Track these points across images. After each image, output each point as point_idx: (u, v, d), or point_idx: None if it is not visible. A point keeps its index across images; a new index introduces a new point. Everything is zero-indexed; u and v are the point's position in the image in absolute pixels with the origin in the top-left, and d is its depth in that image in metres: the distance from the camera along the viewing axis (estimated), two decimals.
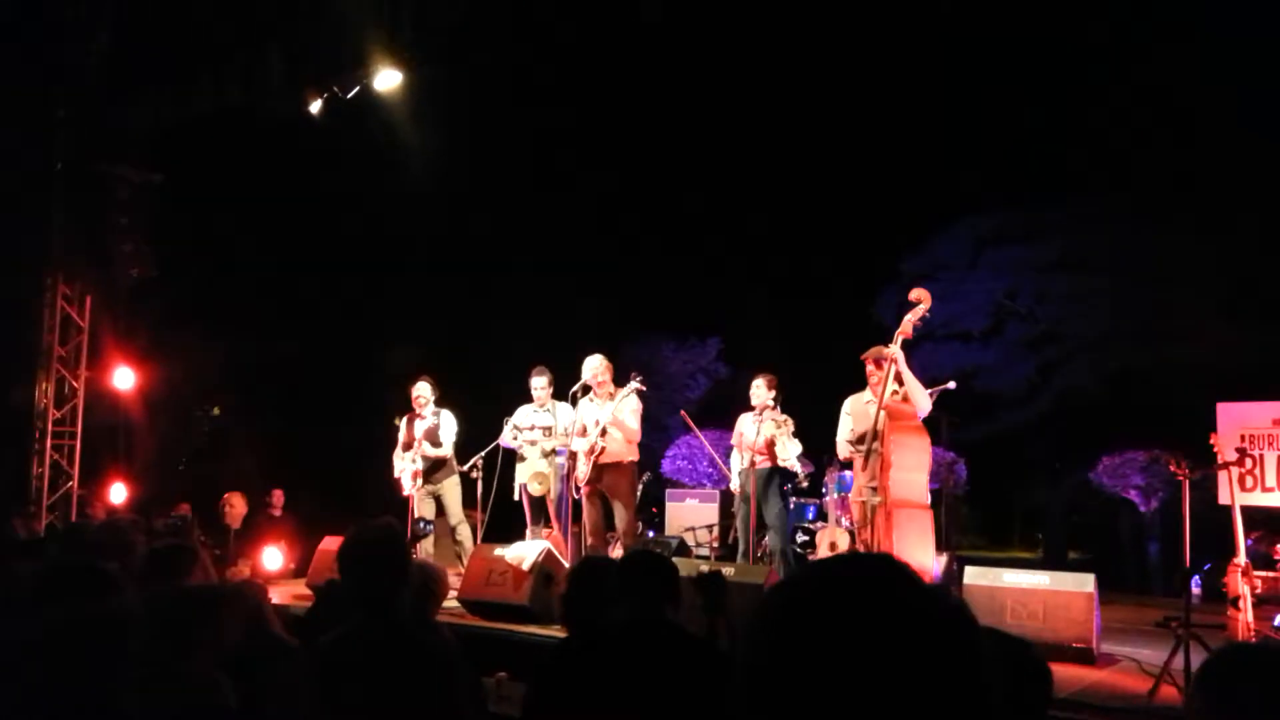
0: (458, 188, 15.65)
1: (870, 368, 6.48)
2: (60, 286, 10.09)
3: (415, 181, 13.51)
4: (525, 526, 8.15)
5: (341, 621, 2.61)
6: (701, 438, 8.22)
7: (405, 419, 8.39)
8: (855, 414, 6.59)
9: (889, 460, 5.99)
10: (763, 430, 7.33)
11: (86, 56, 9.68)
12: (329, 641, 2.61)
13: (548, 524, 8.01)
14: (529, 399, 8.11)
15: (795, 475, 8.06)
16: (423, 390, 8.29)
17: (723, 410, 8.40)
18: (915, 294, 6.29)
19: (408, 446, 8.26)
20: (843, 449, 6.68)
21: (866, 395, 6.55)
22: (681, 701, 2.52)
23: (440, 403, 8.37)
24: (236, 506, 8.31)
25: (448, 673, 2.54)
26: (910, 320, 6.20)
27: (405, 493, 8.30)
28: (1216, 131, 14.03)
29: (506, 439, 8.07)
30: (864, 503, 6.22)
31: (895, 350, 6.19)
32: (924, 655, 0.86)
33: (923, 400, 6.24)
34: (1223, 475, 6.04)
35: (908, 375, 6.22)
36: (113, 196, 10.03)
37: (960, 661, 0.87)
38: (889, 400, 6.17)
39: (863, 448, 6.31)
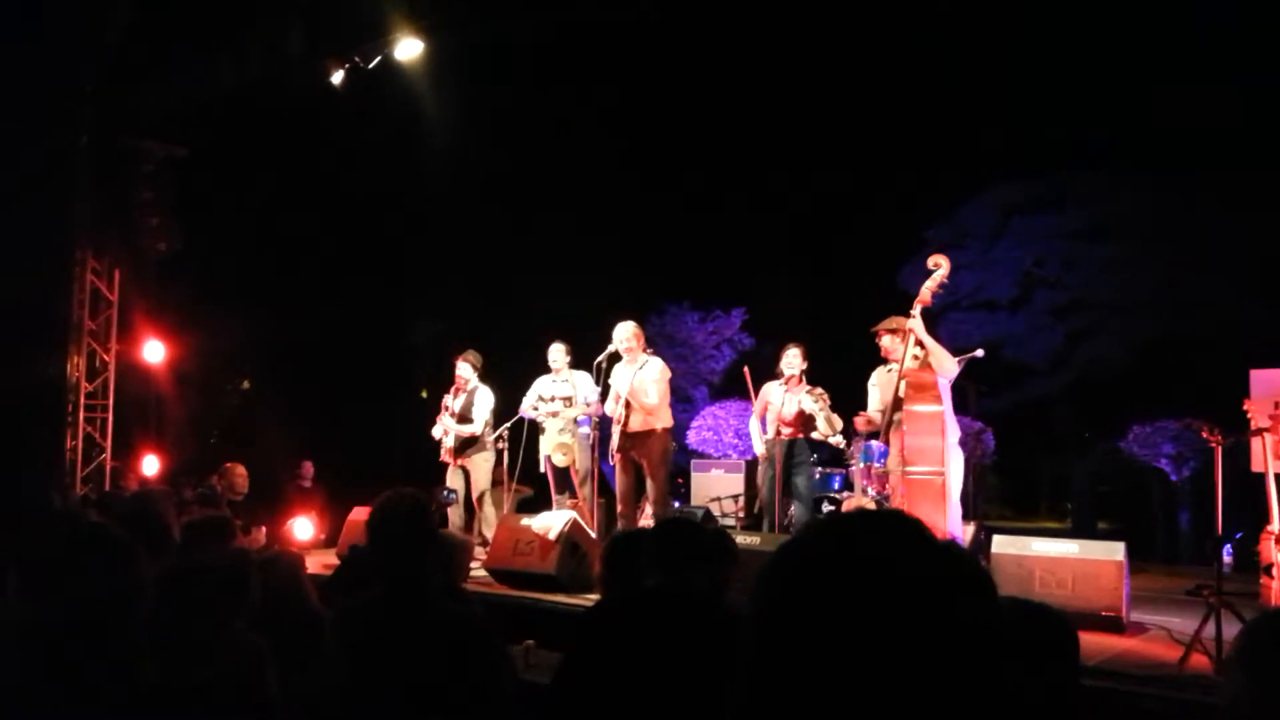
0: (482, 160, 15.63)
1: (886, 339, 6.53)
2: (89, 261, 10.18)
3: (440, 153, 13.50)
4: (551, 497, 8.20)
5: (364, 585, 2.64)
6: (755, 398, 8.07)
7: (452, 391, 8.47)
8: (881, 385, 6.67)
9: (903, 429, 6.01)
10: (796, 402, 7.32)
11: (110, 32, 9.70)
12: (355, 606, 2.63)
13: (573, 494, 8.05)
14: (549, 370, 8.16)
15: (840, 449, 8.08)
16: (464, 370, 8.36)
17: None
18: (934, 260, 6.28)
19: (443, 414, 8.37)
20: (875, 419, 6.71)
21: (889, 367, 6.60)
22: (707, 671, 2.52)
23: (482, 378, 8.42)
24: (235, 478, 8.31)
25: (477, 641, 2.56)
26: (929, 287, 6.19)
27: (442, 456, 8.40)
28: (1245, 100, 13.76)
29: (527, 410, 8.13)
30: (883, 470, 6.24)
31: (915, 318, 6.17)
32: (936, 612, 0.84)
33: (948, 363, 6.22)
34: (1256, 442, 5.96)
35: (928, 340, 6.20)
36: (139, 171, 10.10)
37: (974, 618, 0.85)
38: (910, 368, 6.17)
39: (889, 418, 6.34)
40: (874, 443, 8.79)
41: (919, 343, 6.22)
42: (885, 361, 6.70)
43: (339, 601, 3.42)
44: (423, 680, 2.46)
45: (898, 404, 6.24)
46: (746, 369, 8.22)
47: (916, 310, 6.22)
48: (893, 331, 6.49)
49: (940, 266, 6.23)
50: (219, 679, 2.37)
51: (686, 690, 2.54)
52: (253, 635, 2.55)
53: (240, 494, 8.39)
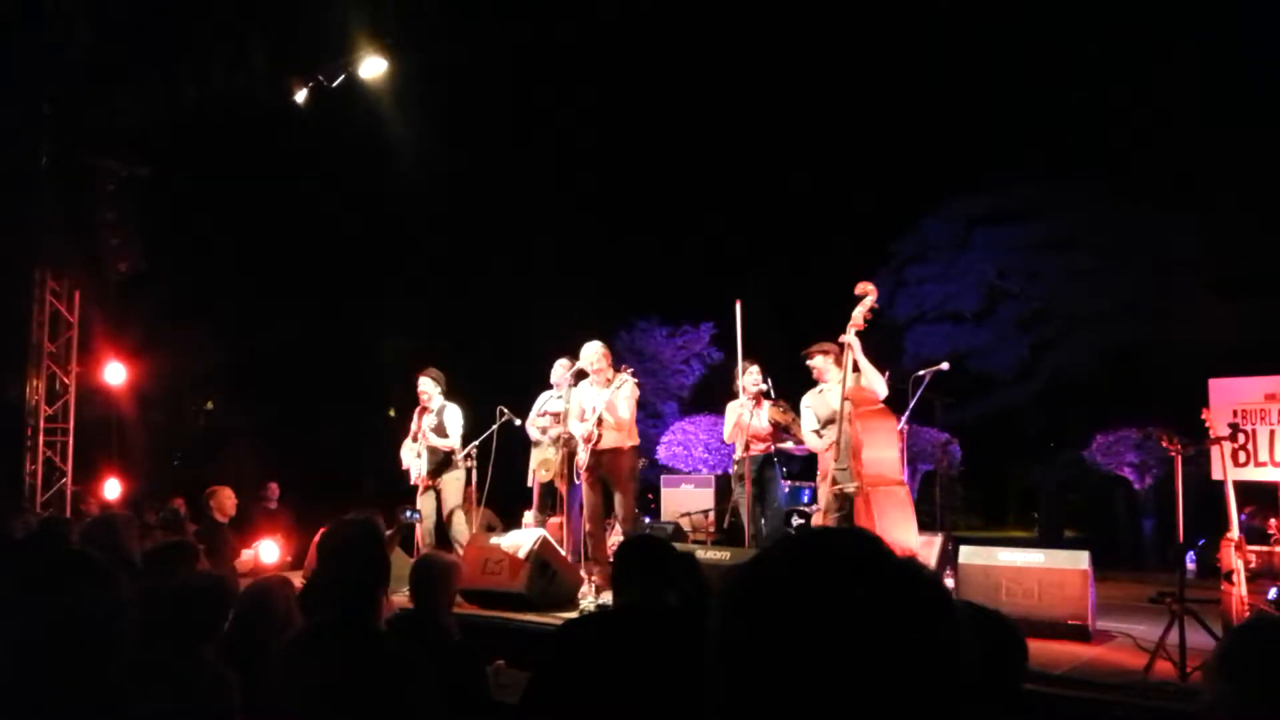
0: (448, 176, 15.60)
1: (818, 360, 6.76)
2: (49, 282, 10.04)
3: (405, 171, 13.46)
4: (531, 513, 8.19)
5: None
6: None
7: (416, 411, 8.37)
8: (813, 405, 6.86)
9: (859, 443, 6.11)
10: (763, 417, 7.37)
11: (70, 49, 9.60)
12: (297, 634, 2.61)
13: (554, 510, 8.02)
14: (532, 384, 8.16)
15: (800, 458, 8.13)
16: (425, 385, 8.24)
17: (718, 397, 8.34)
18: (861, 287, 6.48)
19: (415, 439, 8.27)
20: (812, 440, 6.88)
21: (819, 388, 6.86)
22: (676, 688, 2.52)
23: (448, 396, 8.36)
24: (224, 499, 8.25)
25: (406, 675, 2.52)
26: (860, 312, 6.38)
27: (412, 481, 8.30)
28: (1204, 112, 14.05)
29: (531, 427, 8.15)
30: (839, 490, 6.26)
31: (850, 338, 6.36)
32: (897, 625, 0.85)
33: (879, 385, 6.44)
34: (1215, 451, 6.05)
35: (864, 362, 6.42)
36: (100, 190, 9.98)
37: (935, 630, 0.86)
38: (852, 387, 6.31)
39: (830, 434, 6.46)
40: None
41: (855, 365, 6.41)
42: (814, 384, 6.93)
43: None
44: (351, 710, 2.43)
45: (843, 423, 6.34)
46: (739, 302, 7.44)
47: (851, 333, 6.41)
48: (825, 353, 6.74)
49: (869, 294, 6.45)
50: (181, 708, 2.33)
51: (656, 707, 2.54)
52: (221, 667, 2.51)
53: (229, 516, 8.31)
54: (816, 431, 6.77)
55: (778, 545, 0.96)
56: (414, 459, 8.21)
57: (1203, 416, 6.00)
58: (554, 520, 7.88)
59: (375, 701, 2.42)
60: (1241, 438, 6.76)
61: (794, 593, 0.88)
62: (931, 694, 0.84)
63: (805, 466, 9.18)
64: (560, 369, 8.06)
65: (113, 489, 10.19)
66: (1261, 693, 1.59)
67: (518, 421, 8.15)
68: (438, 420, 8.14)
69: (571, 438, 7.43)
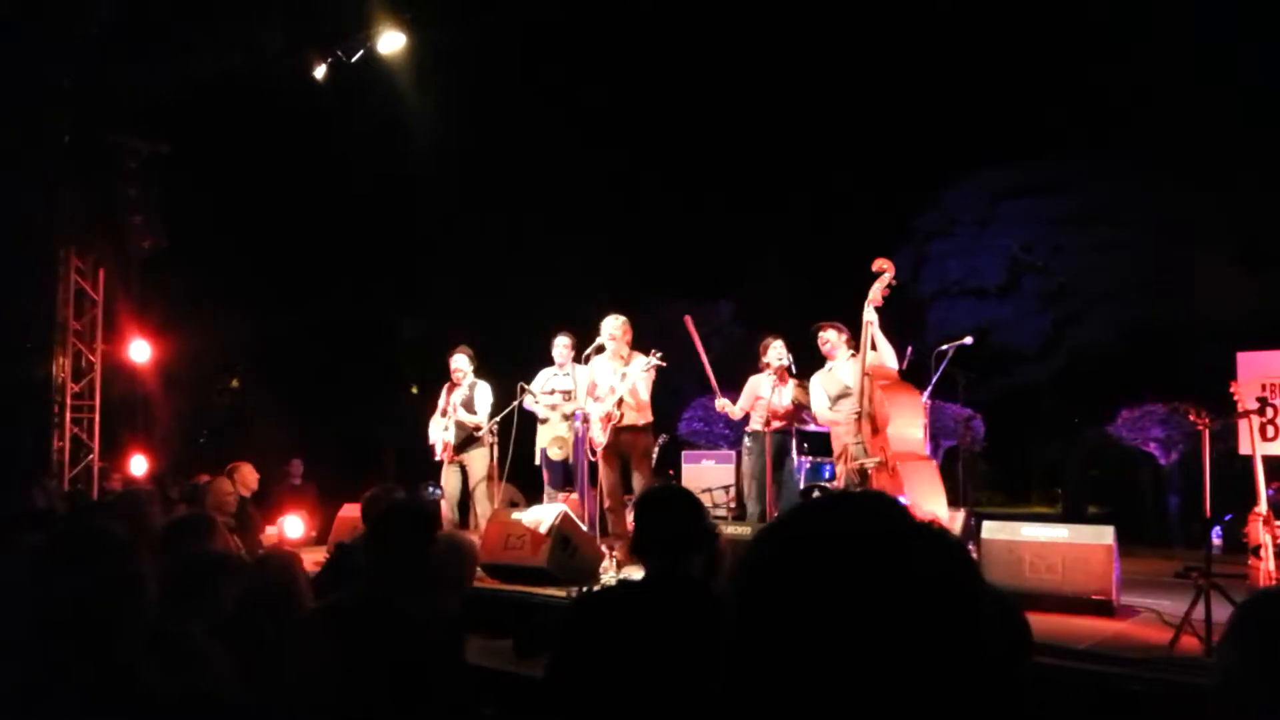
0: (469, 153, 15.57)
1: (831, 334, 6.92)
2: (73, 260, 10.11)
3: (427, 148, 13.44)
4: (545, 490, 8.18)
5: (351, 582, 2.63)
6: (700, 347, 7.74)
7: (445, 388, 8.40)
8: (824, 383, 6.95)
9: (884, 417, 6.13)
10: (787, 395, 7.33)
11: (90, 25, 9.61)
12: (336, 601, 2.62)
13: (568, 488, 8.01)
14: (544, 363, 8.11)
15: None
16: (460, 363, 8.30)
17: (738, 372, 8.26)
18: (878, 264, 6.51)
19: (444, 414, 8.29)
20: (825, 414, 6.92)
21: (828, 366, 6.99)
22: (699, 656, 2.51)
23: (477, 373, 8.38)
24: (247, 474, 8.30)
25: (425, 649, 2.54)
26: (878, 289, 6.42)
27: (437, 458, 8.34)
28: (1224, 86, 13.84)
29: (528, 403, 8.08)
30: (859, 465, 6.26)
31: (869, 315, 6.39)
32: (921, 592, 0.82)
33: (892, 363, 6.50)
34: (1243, 425, 5.98)
35: (880, 340, 6.49)
36: (122, 168, 10.01)
37: (960, 598, 0.84)
38: (874, 364, 6.34)
39: (843, 408, 6.54)
40: None
41: (873, 342, 6.44)
42: (823, 362, 7.03)
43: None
44: (385, 678, 2.45)
45: (863, 398, 6.35)
46: (688, 318, 7.83)
47: (869, 309, 6.41)
48: (837, 329, 6.88)
49: (886, 270, 6.46)
50: (180, 681, 2.33)
51: (679, 676, 2.53)
52: (211, 642, 2.50)
53: (252, 490, 8.37)
54: (832, 401, 6.82)
55: (795, 509, 0.93)
56: (441, 433, 8.25)
57: (1231, 390, 5.93)
58: (571, 497, 7.88)
59: (391, 682, 2.43)
60: (1270, 411, 6.68)
61: (808, 555, 0.85)
62: (956, 661, 0.82)
63: (826, 442, 9.12)
64: (562, 345, 8.02)
65: (139, 465, 10.31)
66: (1274, 664, 1.54)
67: (528, 404, 8.07)
68: (468, 394, 8.19)
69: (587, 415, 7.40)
